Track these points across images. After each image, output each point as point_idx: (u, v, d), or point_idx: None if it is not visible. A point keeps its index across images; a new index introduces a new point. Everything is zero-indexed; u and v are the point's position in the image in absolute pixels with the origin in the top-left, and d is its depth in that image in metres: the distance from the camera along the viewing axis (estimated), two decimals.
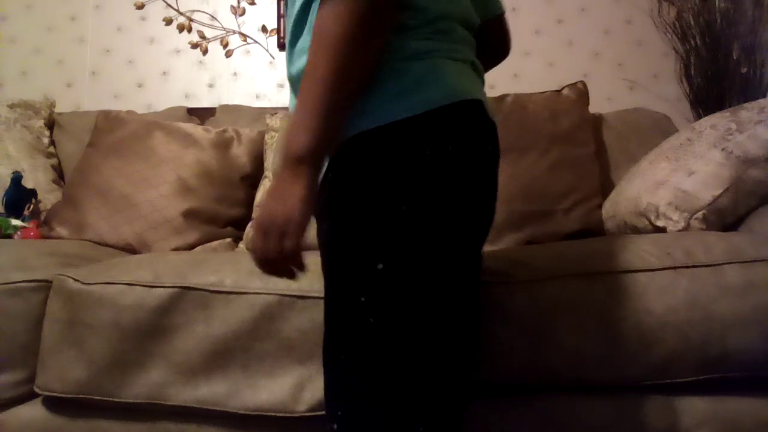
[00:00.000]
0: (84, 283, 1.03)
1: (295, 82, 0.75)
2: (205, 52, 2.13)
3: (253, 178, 1.70)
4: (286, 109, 1.92)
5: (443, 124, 0.67)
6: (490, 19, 0.89)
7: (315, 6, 0.69)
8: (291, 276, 0.68)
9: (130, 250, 1.48)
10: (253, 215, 1.65)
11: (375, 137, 0.66)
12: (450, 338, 0.70)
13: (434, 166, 0.66)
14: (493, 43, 0.91)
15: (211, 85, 2.14)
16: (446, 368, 0.70)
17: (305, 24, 0.72)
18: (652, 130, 1.76)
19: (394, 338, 0.66)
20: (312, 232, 0.76)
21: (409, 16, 0.68)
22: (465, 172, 0.69)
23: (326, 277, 0.71)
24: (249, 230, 1.61)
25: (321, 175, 0.68)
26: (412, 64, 0.68)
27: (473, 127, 0.70)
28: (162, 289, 1.01)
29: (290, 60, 0.75)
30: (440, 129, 0.67)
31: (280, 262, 0.65)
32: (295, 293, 0.99)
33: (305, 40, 0.71)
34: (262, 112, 1.87)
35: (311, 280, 0.98)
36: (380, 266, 0.66)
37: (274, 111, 1.84)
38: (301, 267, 0.67)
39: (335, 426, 0.68)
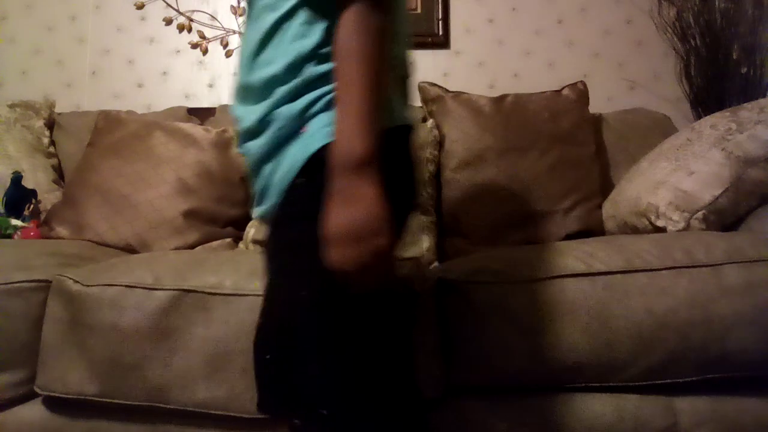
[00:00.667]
0: (84, 285, 1.03)
1: (254, 89, 0.79)
2: (205, 52, 2.13)
3: None
4: None
5: (396, 140, 0.77)
6: None
7: (287, 30, 0.76)
8: (390, 279, 0.68)
9: (130, 250, 1.48)
10: (252, 218, 1.64)
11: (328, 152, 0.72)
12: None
13: (399, 173, 0.76)
14: None
15: (211, 85, 2.14)
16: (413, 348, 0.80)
17: (273, 38, 0.77)
18: (652, 130, 1.76)
19: (383, 324, 0.73)
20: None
21: None
22: (411, 180, 0.81)
23: (308, 275, 0.73)
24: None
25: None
26: None
27: (411, 147, 0.82)
28: (162, 291, 1.01)
29: (251, 68, 0.79)
30: (394, 145, 0.76)
31: (376, 265, 0.64)
32: None
33: (271, 52, 0.77)
34: None
35: None
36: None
37: None
38: (393, 267, 0.67)
39: (325, 412, 0.70)
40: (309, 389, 0.73)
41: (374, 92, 0.66)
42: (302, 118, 0.72)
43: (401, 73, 0.85)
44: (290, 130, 0.73)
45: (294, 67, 0.74)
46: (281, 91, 0.75)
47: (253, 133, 0.79)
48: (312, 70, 0.73)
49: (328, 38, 0.71)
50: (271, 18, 0.76)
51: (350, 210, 0.64)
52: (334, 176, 0.65)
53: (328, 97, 0.73)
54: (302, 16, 0.74)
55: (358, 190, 0.64)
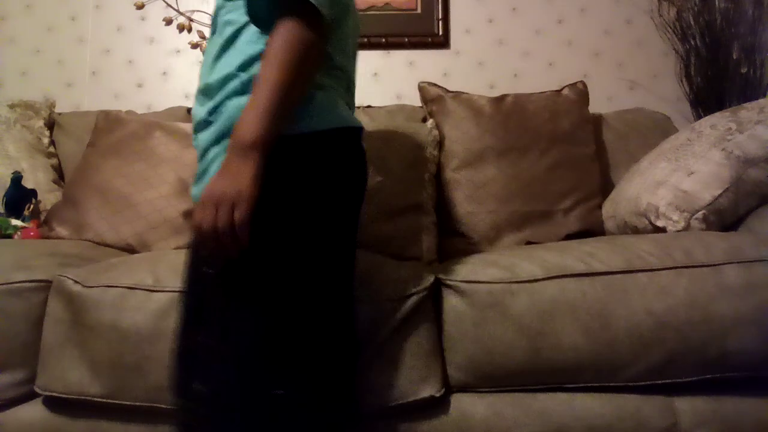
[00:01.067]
0: (84, 286, 1.03)
1: (212, 88, 0.88)
2: (204, 52, 2.13)
3: None
4: None
5: (336, 141, 0.86)
6: None
7: (243, 35, 0.87)
8: (235, 254, 0.75)
9: (130, 250, 1.48)
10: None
11: (284, 144, 0.79)
12: (325, 313, 0.84)
13: (325, 173, 0.84)
14: None
15: None
16: (320, 340, 0.83)
17: (231, 46, 0.88)
18: (652, 130, 1.76)
19: (280, 308, 0.79)
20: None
21: None
22: (349, 180, 0.88)
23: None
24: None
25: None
26: (316, 92, 0.84)
27: (356, 146, 0.91)
28: (162, 293, 1.01)
29: (212, 70, 0.89)
30: (334, 144, 0.86)
31: (229, 234, 0.72)
32: None
33: (229, 56, 0.87)
34: None
35: None
36: (282, 242, 0.80)
37: None
38: (246, 240, 0.74)
39: (203, 388, 0.78)
40: (191, 362, 0.81)
41: (280, 94, 0.75)
42: None
43: (347, 81, 0.95)
44: (236, 121, 0.79)
45: (246, 65, 0.85)
46: (233, 84, 0.85)
47: (205, 123, 0.88)
48: (260, 66, 0.80)
49: None
50: (231, 29, 0.88)
51: (225, 181, 0.73)
52: (227, 153, 0.75)
53: None
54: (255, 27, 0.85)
55: (237, 167, 0.73)
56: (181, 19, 2.11)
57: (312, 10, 0.78)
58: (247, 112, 0.76)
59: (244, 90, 0.83)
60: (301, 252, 0.81)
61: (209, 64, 0.91)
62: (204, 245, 0.74)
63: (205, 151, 0.87)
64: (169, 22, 2.09)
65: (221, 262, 0.78)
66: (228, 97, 0.85)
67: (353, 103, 1.18)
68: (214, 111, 0.86)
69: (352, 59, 0.98)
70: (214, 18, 0.94)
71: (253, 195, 0.73)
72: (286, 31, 0.77)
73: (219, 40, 0.90)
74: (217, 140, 0.85)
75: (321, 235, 0.83)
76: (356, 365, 0.95)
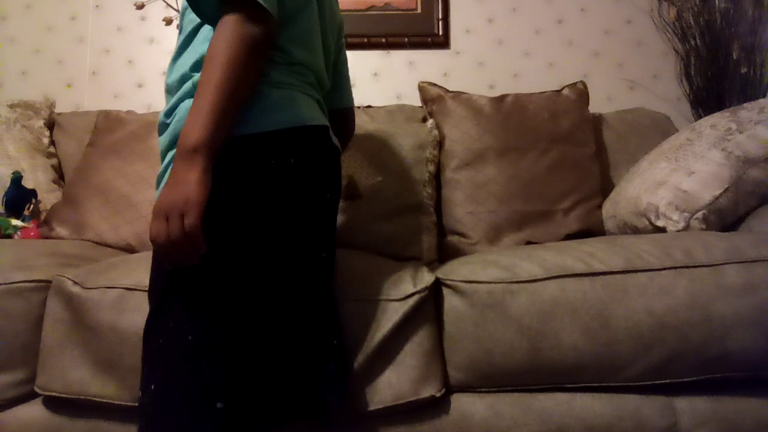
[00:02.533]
0: (83, 287, 1.03)
1: (170, 89, 0.89)
2: None
3: None
4: None
5: (289, 141, 0.82)
6: (340, 109, 1.15)
7: (200, 33, 0.87)
8: (196, 260, 0.73)
9: (130, 250, 1.48)
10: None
11: (234, 145, 0.78)
12: (274, 326, 0.81)
13: (276, 174, 0.81)
14: (339, 128, 1.15)
15: None
16: (265, 353, 0.80)
17: (189, 45, 0.88)
18: (652, 130, 1.76)
19: (222, 315, 0.77)
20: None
21: (275, 54, 0.86)
22: (303, 182, 0.84)
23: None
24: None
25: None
26: (272, 90, 0.83)
27: (315, 146, 0.86)
28: None
29: (170, 71, 0.90)
30: (286, 145, 0.82)
31: (183, 242, 0.71)
32: None
33: (186, 57, 0.87)
34: None
35: None
36: (223, 246, 0.77)
37: None
38: (203, 246, 0.73)
39: (152, 387, 0.77)
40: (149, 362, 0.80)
41: (223, 95, 0.73)
42: None
43: (315, 77, 0.92)
44: None
45: (198, 65, 0.83)
46: (187, 86, 0.83)
47: (163, 125, 0.87)
48: None
49: None
50: (190, 27, 0.88)
51: (172, 190, 0.71)
52: (174, 160, 0.74)
53: None
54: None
55: (183, 174, 0.71)
56: None
57: (255, 4, 0.75)
58: (190, 116, 0.73)
59: (195, 91, 0.81)
60: (251, 255, 0.78)
61: (171, 64, 0.91)
62: (164, 257, 0.73)
63: (164, 154, 0.87)
64: (169, 22, 2.09)
65: (182, 268, 0.77)
66: (182, 98, 0.84)
67: (343, 100, 1.16)
68: (170, 113, 0.86)
69: (321, 54, 0.95)
70: (181, 18, 0.93)
71: (200, 201, 0.70)
72: (227, 28, 0.74)
73: (181, 39, 0.90)
74: (173, 143, 0.84)
75: (273, 237, 0.80)
76: (342, 366, 0.91)
